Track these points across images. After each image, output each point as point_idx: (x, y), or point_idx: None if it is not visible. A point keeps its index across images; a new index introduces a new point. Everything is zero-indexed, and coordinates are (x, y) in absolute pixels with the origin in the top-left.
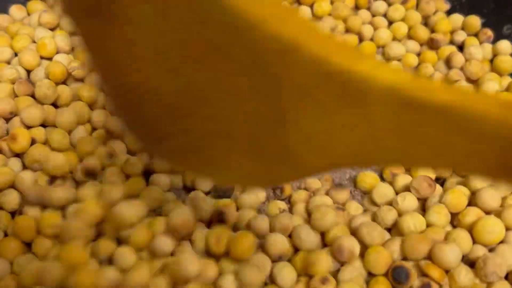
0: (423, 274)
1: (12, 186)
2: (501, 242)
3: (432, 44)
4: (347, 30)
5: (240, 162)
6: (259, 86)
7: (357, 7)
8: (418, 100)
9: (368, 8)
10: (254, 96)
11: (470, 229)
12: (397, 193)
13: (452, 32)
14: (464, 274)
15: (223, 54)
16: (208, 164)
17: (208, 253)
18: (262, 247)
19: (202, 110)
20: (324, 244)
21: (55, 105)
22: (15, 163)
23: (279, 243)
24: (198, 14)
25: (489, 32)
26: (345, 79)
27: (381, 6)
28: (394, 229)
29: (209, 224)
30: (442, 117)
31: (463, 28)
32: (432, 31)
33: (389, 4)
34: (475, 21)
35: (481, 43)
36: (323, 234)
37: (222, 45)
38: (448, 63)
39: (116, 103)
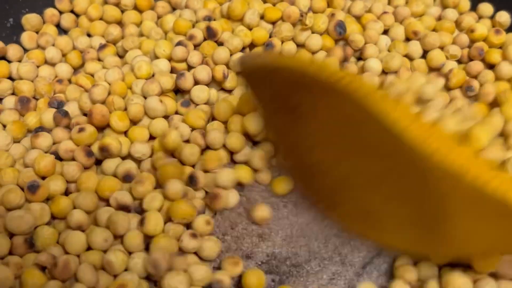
0: None
1: None
2: None
3: None
4: None
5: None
6: (417, 193)
7: None
8: None
9: None
10: (412, 200)
11: None
12: None
13: None
14: None
15: (390, 167)
16: (371, 229)
17: None
18: None
19: (365, 194)
20: None
21: None
22: None
23: None
24: (374, 136)
25: None
26: (499, 201)
27: None
28: None
29: None
30: None
31: None
32: None
33: None
34: None
35: None
36: None
37: (390, 161)
38: None
39: (294, 176)
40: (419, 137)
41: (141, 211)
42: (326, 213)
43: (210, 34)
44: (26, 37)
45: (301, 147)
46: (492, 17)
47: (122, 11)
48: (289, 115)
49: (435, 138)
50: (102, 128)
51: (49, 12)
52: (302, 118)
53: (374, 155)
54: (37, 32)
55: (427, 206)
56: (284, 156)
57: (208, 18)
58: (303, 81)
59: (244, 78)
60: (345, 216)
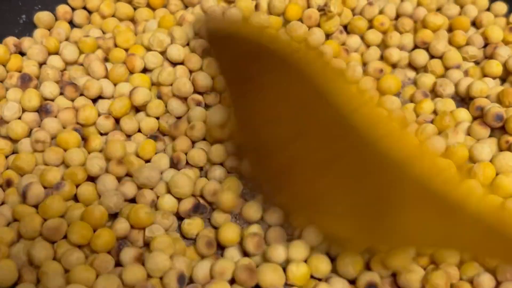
0: None
1: None
2: None
3: None
4: None
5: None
6: (365, 181)
7: None
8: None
9: None
10: (359, 188)
11: None
12: None
13: None
14: None
15: (339, 151)
16: (317, 214)
17: None
18: None
19: (318, 178)
20: None
21: None
22: None
23: None
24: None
25: None
26: (443, 198)
27: None
28: None
29: None
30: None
31: None
32: None
33: None
34: None
35: None
36: None
37: (340, 145)
38: None
39: (245, 153)
40: (368, 121)
41: None
42: (273, 194)
43: None
44: (39, 34)
45: (255, 121)
46: (506, 16)
47: (135, 8)
48: (246, 85)
49: (386, 124)
50: None
51: (62, 9)
52: (258, 89)
53: (325, 136)
54: (49, 30)
55: (374, 195)
56: (239, 129)
57: None
58: (260, 50)
59: (207, 39)
60: (292, 199)
